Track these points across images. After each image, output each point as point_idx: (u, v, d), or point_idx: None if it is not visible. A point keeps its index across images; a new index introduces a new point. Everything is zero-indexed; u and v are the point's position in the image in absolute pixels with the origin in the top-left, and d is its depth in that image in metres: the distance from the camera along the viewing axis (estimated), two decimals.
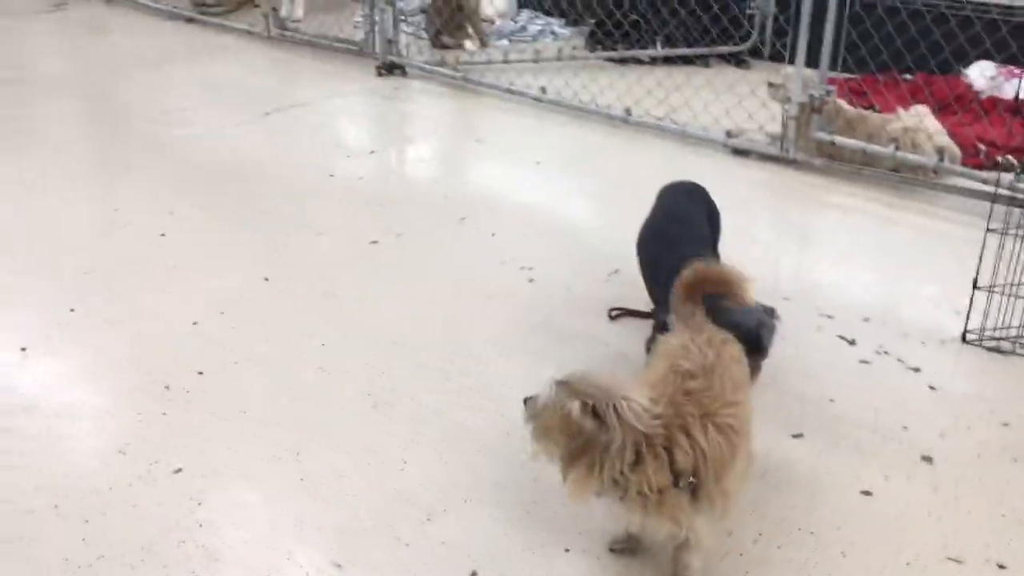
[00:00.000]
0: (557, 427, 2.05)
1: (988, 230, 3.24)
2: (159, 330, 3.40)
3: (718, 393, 2.15)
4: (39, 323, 3.44)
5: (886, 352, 3.28)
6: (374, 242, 4.09)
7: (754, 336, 2.61)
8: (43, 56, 7.27)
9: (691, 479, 2.07)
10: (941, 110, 5.08)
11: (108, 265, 3.87)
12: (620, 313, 3.49)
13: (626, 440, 2.00)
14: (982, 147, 4.83)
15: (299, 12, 7.78)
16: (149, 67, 6.79)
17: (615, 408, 1.99)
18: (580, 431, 2.01)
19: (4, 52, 7.18)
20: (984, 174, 4.43)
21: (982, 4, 5.60)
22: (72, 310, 3.52)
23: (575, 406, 2.01)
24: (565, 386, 2.04)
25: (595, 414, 2.00)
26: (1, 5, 8.53)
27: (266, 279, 3.77)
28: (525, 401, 2.17)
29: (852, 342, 3.35)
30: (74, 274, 3.78)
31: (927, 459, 2.75)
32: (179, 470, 2.69)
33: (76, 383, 3.10)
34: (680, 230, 3.11)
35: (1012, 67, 5.59)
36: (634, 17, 6.70)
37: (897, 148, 4.60)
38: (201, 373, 3.15)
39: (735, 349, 2.36)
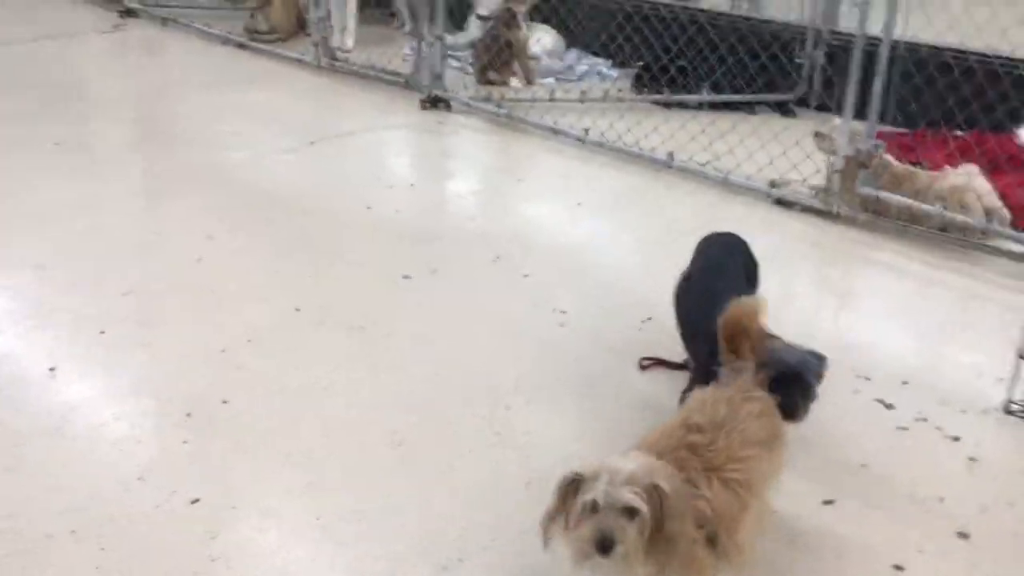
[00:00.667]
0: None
1: None
2: (187, 356, 3.40)
3: (722, 448, 2.14)
4: (70, 343, 3.46)
5: (924, 419, 3.18)
6: (407, 277, 4.07)
7: (793, 373, 2.54)
8: (98, 75, 7.41)
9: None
10: (992, 170, 4.97)
11: (142, 287, 3.89)
12: (652, 363, 3.43)
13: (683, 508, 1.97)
14: None
15: (349, 43, 7.85)
16: (200, 91, 6.89)
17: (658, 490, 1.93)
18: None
19: (61, 71, 7.33)
20: None
21: None
22: (103, 332, 3.53)
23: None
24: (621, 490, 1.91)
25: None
26: (62, 24, 8.71)
27: (298, 309, 3.76)
28: (605, 546, 1.90)
29: (890, 406, 3.25)
30: (109, 295, 3.81)
31: (964, 535, 2.65)
32: (196, 500, 2.67)
33: (102, 406, 3.10)
34: (717, 284, 3.06)
35: None
36: (682, 62, 6.67)
37: (945, 207, 4.51)
38: (225, 402, 3.13)
39: (757, 405, 2.32)
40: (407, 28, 8.56)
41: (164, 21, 8.79)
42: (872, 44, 4.56)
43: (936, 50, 5.58)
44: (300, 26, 8.47)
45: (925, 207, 4.57)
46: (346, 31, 7.86)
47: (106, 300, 3.77)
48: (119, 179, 5.21)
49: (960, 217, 4.51)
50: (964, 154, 5.05)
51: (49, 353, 3.38)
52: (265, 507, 2.65)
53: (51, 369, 3.28)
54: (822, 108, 6.28)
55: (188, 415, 3.05)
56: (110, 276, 3.96)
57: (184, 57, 7.94)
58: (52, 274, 3.98)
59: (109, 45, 8.27)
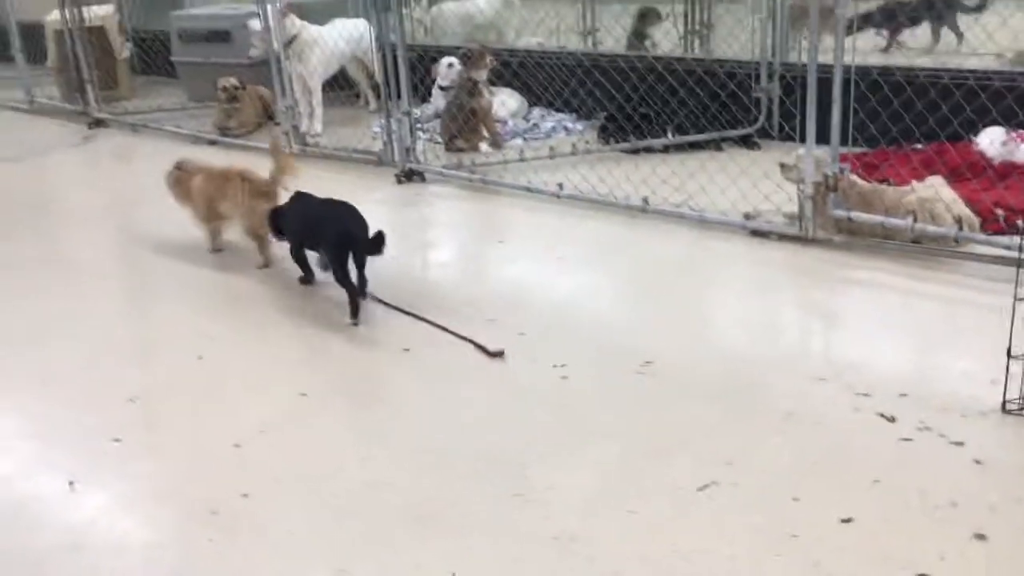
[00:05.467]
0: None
1: (1017, 299, 3.25)
2: (202, 455, 3.45)
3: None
4: (86, 455, 3.49)
5: (927, 428, 3.26)
6: (406, 350, 4.14)
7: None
8: (74, 189, 7.52)
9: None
10: (956, 179, 5.13)
11: (149, 392, 3.94)
12: None
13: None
14: (1000, 212, 4.86)
15: (318, 127, 8.01)
16: None
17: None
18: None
19: (36, 189, 7.43)
20: (1006, 239, 4.45)
21: (984, 74, 5.73)
22: (117, 440, 3.58)
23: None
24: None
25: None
26: (30, 144, 8.80)
27: (304, 394, 3.82)
28: None
29: (892, 419, 3.34)
30: (117, 403, 3.85)
31: (981, 536, 2.72)
32: None
33: (124, 515, 3.13)
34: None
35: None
36: (644, 110, 6.86)
37: (915, 220, 4.65)
38: (246, 495, 3.17)
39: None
40: (372, 107, 8.76)
41: (134, 127, 8.93)
42: (825, 72, 4.74)
43: (887, 71, 5.79)
44: (268, 116, 8.64)
45: (896, 222, 4.72)
46: (313, 116, 8.03)
47: (114, 409, 3.81)
48: (108, 289, 5.28)
49: (931, 228, 4.65)
50: (927, 167, 5.22)
51: (65, 467, 3.41)
52: None
53: (70, 483, 3.31)
54: (784, 137, 6.46)
55: (212, 513, 3.08)
56: (114, 385, 4.01)
57: (157, 161, 7.93)
58: (57, 389, 4.02)
59: (81, 158, 8.39)
